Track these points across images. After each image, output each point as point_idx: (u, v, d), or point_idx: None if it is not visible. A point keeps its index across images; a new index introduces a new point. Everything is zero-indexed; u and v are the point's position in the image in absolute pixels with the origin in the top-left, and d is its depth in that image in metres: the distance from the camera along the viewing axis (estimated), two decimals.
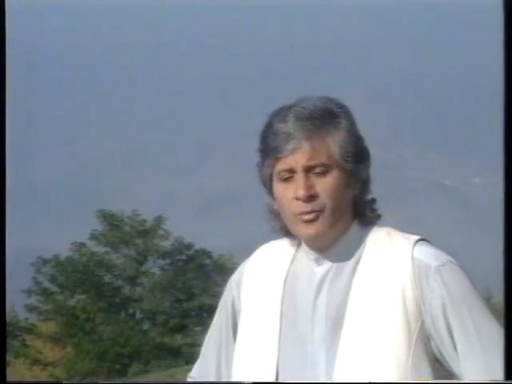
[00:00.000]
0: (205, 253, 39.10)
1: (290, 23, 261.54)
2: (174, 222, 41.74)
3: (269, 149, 2.35)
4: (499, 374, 2.26)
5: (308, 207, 2.29)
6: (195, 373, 2.59)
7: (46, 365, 35.19)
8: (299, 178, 2.30)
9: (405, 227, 2.45)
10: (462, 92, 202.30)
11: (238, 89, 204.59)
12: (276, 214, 2.40)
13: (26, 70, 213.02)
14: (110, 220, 38.58)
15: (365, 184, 2.39)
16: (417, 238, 2.38)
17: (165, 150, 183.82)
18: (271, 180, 2.37)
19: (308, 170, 2.31)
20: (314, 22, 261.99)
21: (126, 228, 38.44)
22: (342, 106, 2.39)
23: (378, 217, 2.42)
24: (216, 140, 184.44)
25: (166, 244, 38.76)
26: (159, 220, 39.15)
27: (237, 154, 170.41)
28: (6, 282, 3.06)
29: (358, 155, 2.36)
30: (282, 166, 2.33)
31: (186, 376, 2.64)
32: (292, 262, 2.42)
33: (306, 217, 2.30)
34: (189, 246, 39.12)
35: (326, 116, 2.34)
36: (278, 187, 2.35)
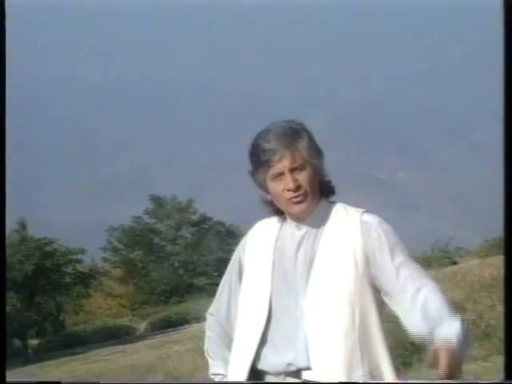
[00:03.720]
0: (220, 223, 39.26)
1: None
2: (199, 202, 41.79)
3: (261, 161, 2.35)
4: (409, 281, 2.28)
5: (296, 193, 2.32)
6: (212, 309, 2.56)
7: (115, 296, 35.17)
8: (287, 176, 2.32)
9: (353, 206, 2.45)
10: (397, 101, 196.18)
11: (239, 120, 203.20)
12: (269, 203, 2.41)
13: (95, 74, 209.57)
14: (158, 201, 38.76)
15: (323, 171, 2.39)
16: (363, 210, 2.41)
17: (193, 153, 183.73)
18: (265, 181, 2.36)
19: (292, 170, 2.32)
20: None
21: (168, 207, 38.58)
22: (300, 123, 2.40)
23: (334, 190, 2.42)
24: (228, 146, 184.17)
25: (195, 217, 38.96)
26: (190, 201, 39.36)
27: (240, 157, 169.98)
28: (5, 282, 2.88)
29: (318, 153, 2.38)
30: (273, 171, 2.33)
31: (208, 305, 2.59)
32: (280, 229, 2.43)
33: (296, 199, 2.32)
34: (209, 219, 39.29)
35: (293, 131, 2.35)
36: (272, 185, 2.35)
